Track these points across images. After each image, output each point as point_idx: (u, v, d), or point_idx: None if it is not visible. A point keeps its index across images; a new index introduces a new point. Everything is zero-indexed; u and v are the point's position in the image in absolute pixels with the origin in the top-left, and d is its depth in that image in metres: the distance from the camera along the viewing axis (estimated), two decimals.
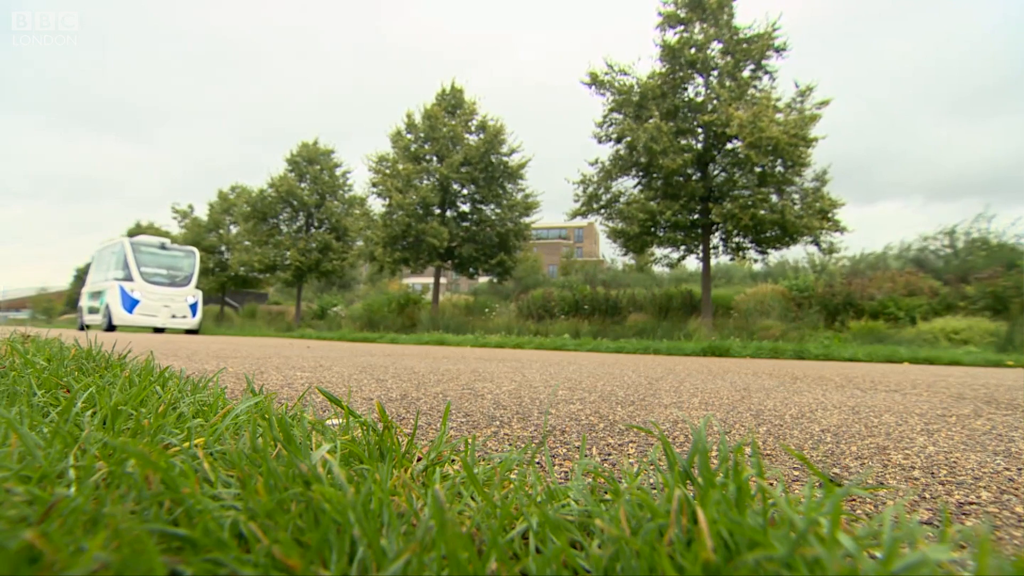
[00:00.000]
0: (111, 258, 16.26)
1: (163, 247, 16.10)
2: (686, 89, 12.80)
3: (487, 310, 16.36)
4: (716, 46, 12.43)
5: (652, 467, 0.90)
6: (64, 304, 42.85)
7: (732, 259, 13.45)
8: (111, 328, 14.59)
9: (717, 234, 12.92)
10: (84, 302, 17.33)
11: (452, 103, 16.72)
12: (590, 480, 0.78)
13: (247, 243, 20.85)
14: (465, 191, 16.59)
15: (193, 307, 15.63)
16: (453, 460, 0.89)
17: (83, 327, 16.76)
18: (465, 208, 16.85)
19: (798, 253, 17.08)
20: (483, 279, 20.51)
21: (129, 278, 14.90)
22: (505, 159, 16.23)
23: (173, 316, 15.19)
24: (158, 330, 15.75)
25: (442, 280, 18.18)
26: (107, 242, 17.73)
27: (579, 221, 14.33)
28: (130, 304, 14.53)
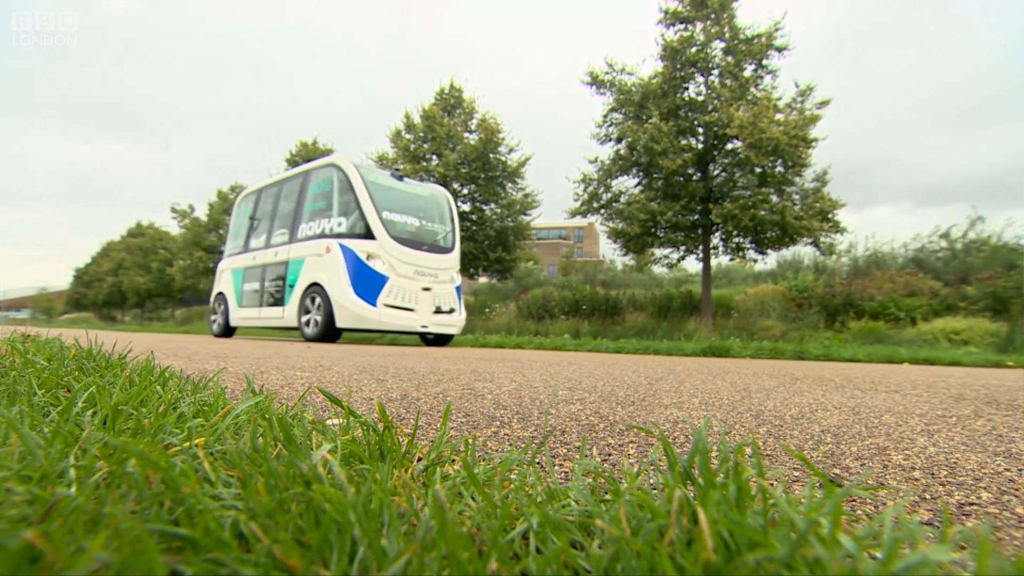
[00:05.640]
0: (311, 195, 8.28)
1: (399, 178, 8.39)
2: (687, 88, 12.81)
3: (487, 310, 16.36)
4: (718, 45, 12.44)
5: (652, 467, 0.90)
6: (64, 304, 42.47)
7: (732, 259, 13.47)
8: (330, 335, 7.41)
9: (717, 234, 12.94)
10: (228, 285, 9.53)
11: (451, 102, 16.73)
12: (590, 480, 0.78)
13: None
14: (465, 191, 16.60)
15: (458, 291, 8.40)
16: (453, 460, 0.89)
17: (226, 331, 9.66)
18: (466, 208, 16.86)
19: (803, 252, 17.08)
20: (483, 279, 20.52)
21: (364, 233, 7.40)
22: (504, 158, 16.24)
23: (438, 310, 7.89)
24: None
25: None
26: (287, 171, 9.45)
27: (579, 221, 14.35)
28: (370, 284, 7.23)
